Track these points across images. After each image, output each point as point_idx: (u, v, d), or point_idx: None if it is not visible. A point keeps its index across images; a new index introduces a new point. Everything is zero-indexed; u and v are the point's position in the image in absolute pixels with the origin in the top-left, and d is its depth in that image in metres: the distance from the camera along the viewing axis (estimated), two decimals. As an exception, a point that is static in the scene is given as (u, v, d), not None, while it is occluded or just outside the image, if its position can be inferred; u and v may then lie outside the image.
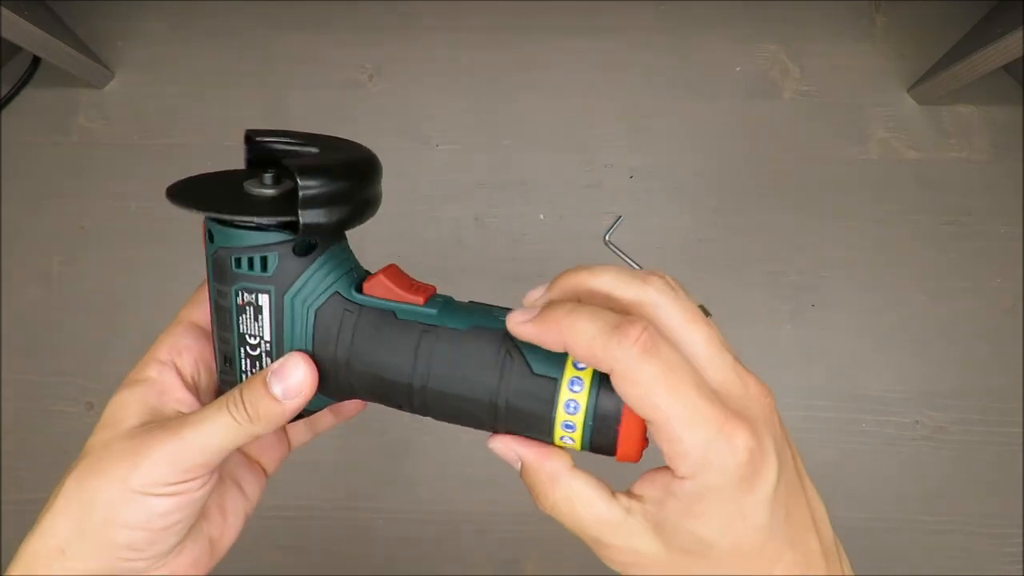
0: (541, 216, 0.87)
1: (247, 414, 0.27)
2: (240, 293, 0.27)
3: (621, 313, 0.24)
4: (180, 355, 0.30)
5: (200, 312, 0.31)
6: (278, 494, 0.79)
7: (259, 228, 0.26)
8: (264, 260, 0.26)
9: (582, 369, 0.25)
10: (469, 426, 0.28)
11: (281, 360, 0.27)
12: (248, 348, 0.28)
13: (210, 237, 0.27)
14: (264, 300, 0.27)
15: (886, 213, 0.86)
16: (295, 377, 0.27)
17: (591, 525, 0.25)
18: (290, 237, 0.26)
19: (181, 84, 0.91)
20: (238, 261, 0.27)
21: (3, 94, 0.89)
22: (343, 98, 0.90)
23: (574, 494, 0.25)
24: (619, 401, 0.24)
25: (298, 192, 0.25)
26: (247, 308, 0.27)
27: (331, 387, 0.28)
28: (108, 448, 0.27)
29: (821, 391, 0.82)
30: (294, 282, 0.27)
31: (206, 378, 0.31)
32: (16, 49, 0.88)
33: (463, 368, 0.26)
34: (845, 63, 0.90)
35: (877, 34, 0.91)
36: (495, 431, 0.27)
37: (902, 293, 0.84)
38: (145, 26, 0.92)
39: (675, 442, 0.22)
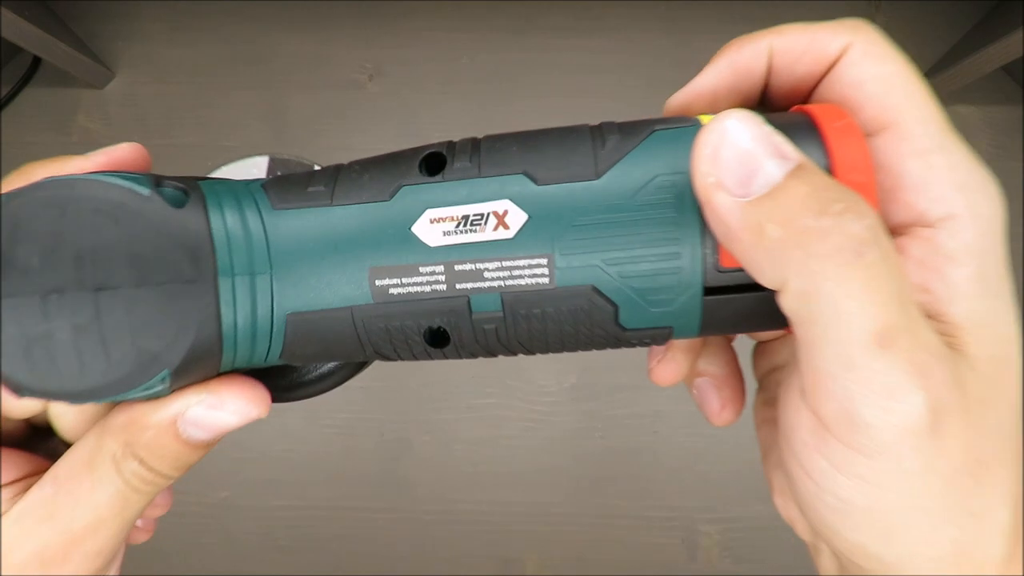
0: (541, 216, 0.86)
1: (157, 473, 0.19)
2: None
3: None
4: None
5: None
6: (278, 494, 0.79)
7: None
8: None
9: None
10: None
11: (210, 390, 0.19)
12: None
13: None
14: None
15: (886, 213, 0.86)
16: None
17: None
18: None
19: (181, 84, 0.91)
20: None
21: (3, 94, 0.89)
22: (343, 98, 0.90)
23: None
24: None
25: None
26: None
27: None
28: None
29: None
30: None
31: None
32: (16, 49, 0.88)
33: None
34: (845, 63, 0.90)
35: (877, 34, 0.91)
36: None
37: (902, 293, 0.84)
38: (145, 26, 0.92)
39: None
